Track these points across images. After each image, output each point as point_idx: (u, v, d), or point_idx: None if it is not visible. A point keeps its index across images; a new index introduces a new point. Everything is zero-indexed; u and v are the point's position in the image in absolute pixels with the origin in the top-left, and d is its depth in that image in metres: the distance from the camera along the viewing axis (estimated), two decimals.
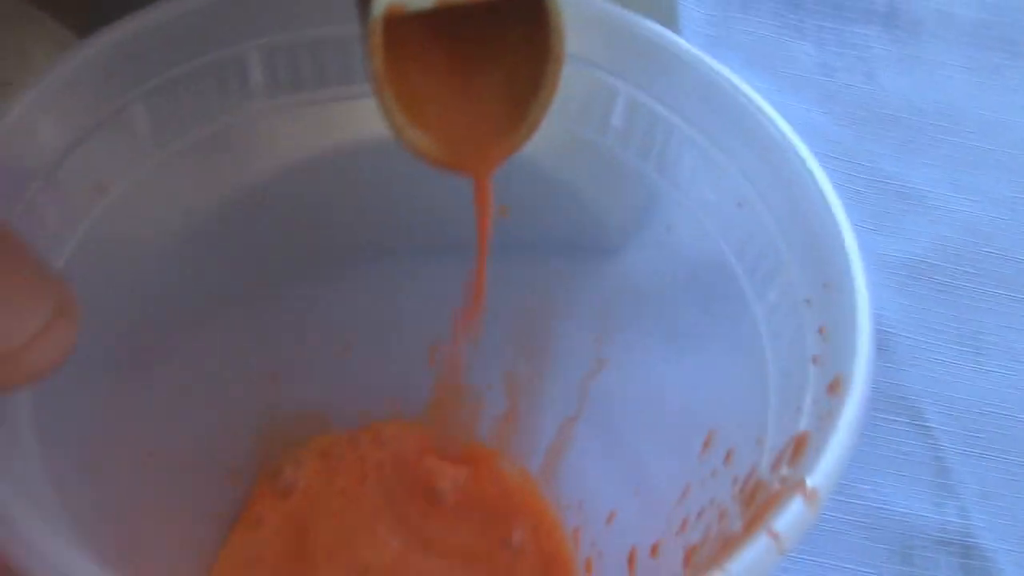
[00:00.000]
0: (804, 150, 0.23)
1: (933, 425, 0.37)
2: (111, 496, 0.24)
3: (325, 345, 0.31)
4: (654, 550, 0.28)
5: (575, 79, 0.25)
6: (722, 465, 0.24)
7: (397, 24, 0.17)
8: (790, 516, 0.18)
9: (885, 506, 0.36)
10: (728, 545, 0.21)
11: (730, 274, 0.25)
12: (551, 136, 0.27)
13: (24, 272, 0.16)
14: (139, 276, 0.25)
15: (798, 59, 0.43)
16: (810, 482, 0.18)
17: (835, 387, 0.20)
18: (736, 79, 0.24)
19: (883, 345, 0.38)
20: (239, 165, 0.26)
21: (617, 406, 0.29)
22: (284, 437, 0.31)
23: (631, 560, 0.29)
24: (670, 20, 0.37)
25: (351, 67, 0.26)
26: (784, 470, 0.20)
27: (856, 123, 0.42)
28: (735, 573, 0.17)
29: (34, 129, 0.21)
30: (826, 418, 0.20)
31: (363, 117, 0.24)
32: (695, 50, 0.25)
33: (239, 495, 0.30)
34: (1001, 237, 0.40)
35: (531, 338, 0.31)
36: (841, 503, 0.36)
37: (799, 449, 0.20)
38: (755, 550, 0.17)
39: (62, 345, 0.16)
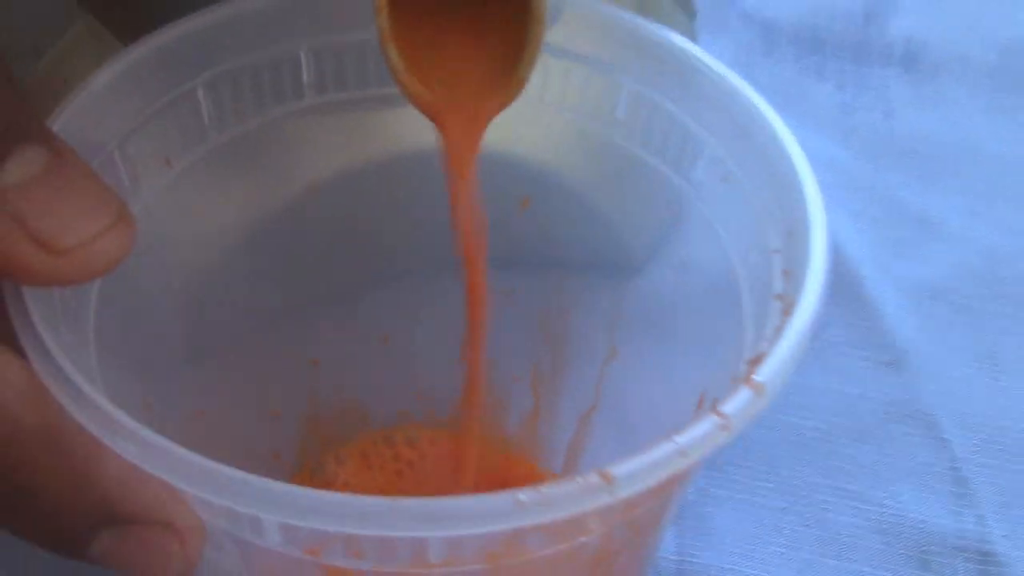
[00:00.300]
0: (775, 118, 0.25)
1: (950, 438, 0.38)
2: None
3: (364, 343, 0.33)
4: None
5: (591, 80, 0.28)
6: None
7: None
8: (737, 401, 0.20)
9: (902, 513, 0.37)
10: None
11: (731, 269, 0.26)
12: (572, 144, 0.30)
13: (89, 180, 0.19)
14: (194, 252, 0.28)
15: (819, 99, 0.45)
16: (757, 377, 0.20)
17: (788, 310, 0.22)
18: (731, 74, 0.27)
19: (899, 361, 0.39)
20: (291, 160, 0.29)
21: (628, 392, 0.31)
22: (324, 434, 0.34)
23: None
24: None
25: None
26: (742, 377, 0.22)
27: (875, 157, 0.44)
28: (683, 444, 0.19)
29: (111, 102, 0.24)
30: (777, 332, 0.22)
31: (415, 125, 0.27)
32: (697, 49, 0.27)
33: None
34: (1019, 262, 0.42)
35: (552, 333, 0.33)
36: (857, 509, 0.37)
37: (755, 364, 0.22)
38: (703, 426, 0.19)
39: (121, 248, 0.19)
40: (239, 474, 0.18)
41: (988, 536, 0.36)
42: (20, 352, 0.20)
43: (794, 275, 0.23)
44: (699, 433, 0.19)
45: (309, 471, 0.34)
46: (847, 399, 0.39)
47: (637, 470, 0.19)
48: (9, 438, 0.19)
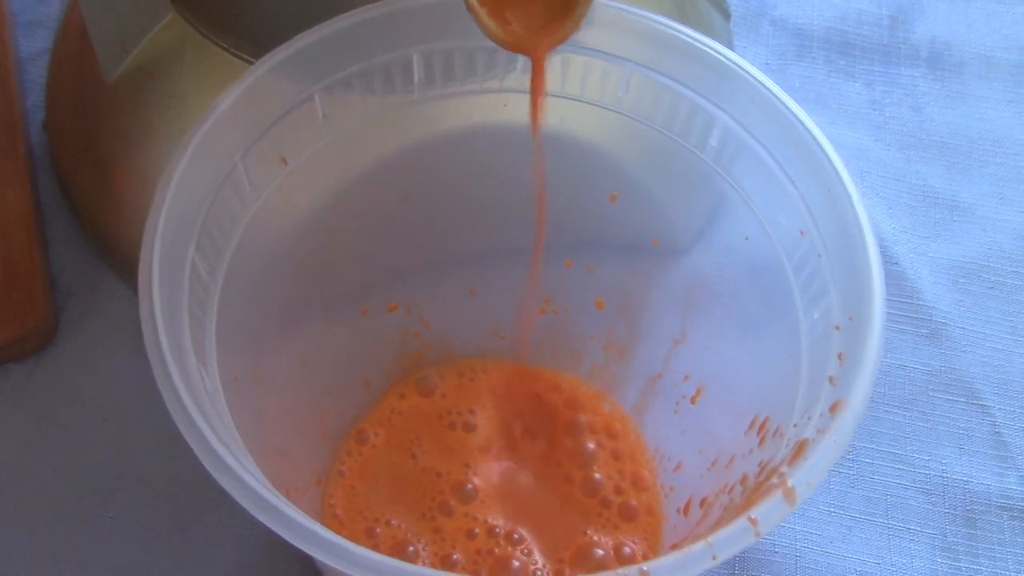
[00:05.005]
0: (857, 199, 0.27)
1: (990, 404, 0.40)
2: (268, 394, 0.29)
3: (454, 288, 0.36)
4: (703, 503, 0.31)
5: (664, 95, 0.30)
6: (757, 447, 0.28)
7: None
8: (768, 506, 0.22)
9: (946, 475, 0.38)
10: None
11: (787, 288, 0.29)
12: (641, 143, 0.32)
13: None
14: (301, 228, 0.30)
15: (849, 97, 0.47)
16: (790, 482, 0.23)
17: (835, 408, 0.24)
18: (803, 114, 0.28)
19: (938, 333, 0.41)
20: (390, 142, 0.31)
21: (692, 374, 0.34)
22: (417, 360, 0.37)
23: (687, 508, 0.33)
24: None
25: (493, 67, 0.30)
26: (784, 467, 0.24)
27: (905, 148, 0.46)
28: (714, 544, 0.22)
29: (237, 118, 0.27)
30: (822, 432, 0.24)
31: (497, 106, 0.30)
32: (769, 82, 0.29)
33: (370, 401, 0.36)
34: None
35: (628, 307, 0.35)
36: (902, 471, 0.38)
37: (798, 453, 0.24)
38: (734, 529, 0.22)
39: None
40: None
41: None
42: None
43: (846, 365, 0.25)
44: (730, 536, 0.22)
45: (415, 381, 0.37)
46: (889, 369, 0.40)
47: (671, 568, 0.21)
48: None
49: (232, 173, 0.27)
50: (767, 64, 0.48)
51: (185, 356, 0.24)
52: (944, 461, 0.38)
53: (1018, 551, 0.36)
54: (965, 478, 0.38)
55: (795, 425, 0.25)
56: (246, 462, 0.23)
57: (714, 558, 0.21)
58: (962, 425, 0.39)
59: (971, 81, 0.48)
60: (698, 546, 0.21)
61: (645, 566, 0.21)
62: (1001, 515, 0.37)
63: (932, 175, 0.45)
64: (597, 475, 0.35)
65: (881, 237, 0.43)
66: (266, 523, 0.22)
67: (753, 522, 0.22)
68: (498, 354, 0.37)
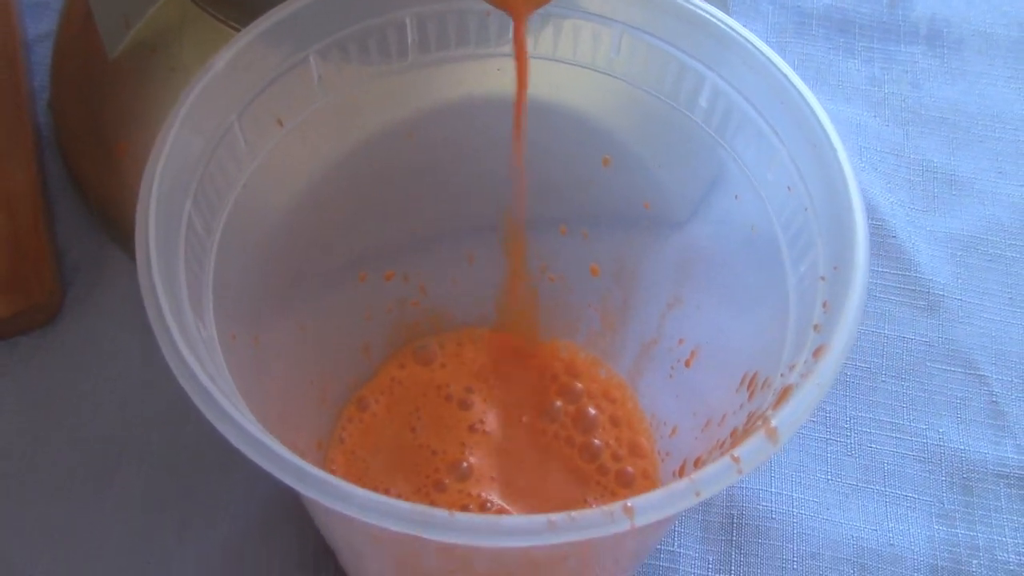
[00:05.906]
0: (842, 153, 0.27)
1: (987, 374, 0.40)
2: (267, 357, 0.30)
3: (452, 256, 0.36)
4: (697, 462, 0.32)
5: (654, 56, 0.30)
6: (747, 401, 0.29)
7: None
8: (751, 445, 0.22)
9: (943, 443, 0.38)
10: None
11: (776, 246, 0.29)
12: (632, 106, 0.32)
13: None
14: (298, 192, 0.31)
15: (848, 74, 0.48)
16: (773, 422, 0.23)
17: (818, 352, 0.24)
18: (793, 75, 0.28)
19: (935, 305, 0.41)
20: (387, 109, 0.32)
21: (686, 338, 0.34)
22: (415, 328, 0.37)
23: (682, 470, 0.33)
24: None
25: (486, 31, 0.31)
26: (769, 412, 0.25)
27: (904, 124, 0.46)
28: (697, 480, 0.22)
29: (232, 77, 0.27)
30: (805, 376, 0.24)
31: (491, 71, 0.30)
32: (756, 39, 0.29)
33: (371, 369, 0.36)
34: None
35: (623, 272, 0.35)
36: (899, 439, 0.38)
37: (782, 398, 0.24)
38: (717, 467, 0.22)
39: None
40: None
41: None
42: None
43: (830, 312, 0.25)
44: (713, 473, 0.22)
45: (414, 350, 0.37)
46: (888, 340, 0.40)
47: (655, 504, 0.21)
48: None
49: (228, 133, 0.27)
50: (767, 41, 0.48)
51: (181, 306, 0.24)
52: (941, 430, 0.39)
53: (1014, 518, 0.37)
54: (962, 447, 0.38)
55: (782, 375, 0.25)
56: (241, 408, 0.24)
57: (697, 494, 0.22)
58: (959, 395, 0.39)
59: (970, 57, 0.48)
60: (682, 483, 0.22)
61: (629, 502, 0.21)
62: (997, 483, 0.37)
63: (931, 150, 0.45)
64: (596, 441, 0.35)
65: (879, 211, 0.43)
66: (257, 461, 0.22)
67: (736, 460, 0.22)
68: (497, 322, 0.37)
